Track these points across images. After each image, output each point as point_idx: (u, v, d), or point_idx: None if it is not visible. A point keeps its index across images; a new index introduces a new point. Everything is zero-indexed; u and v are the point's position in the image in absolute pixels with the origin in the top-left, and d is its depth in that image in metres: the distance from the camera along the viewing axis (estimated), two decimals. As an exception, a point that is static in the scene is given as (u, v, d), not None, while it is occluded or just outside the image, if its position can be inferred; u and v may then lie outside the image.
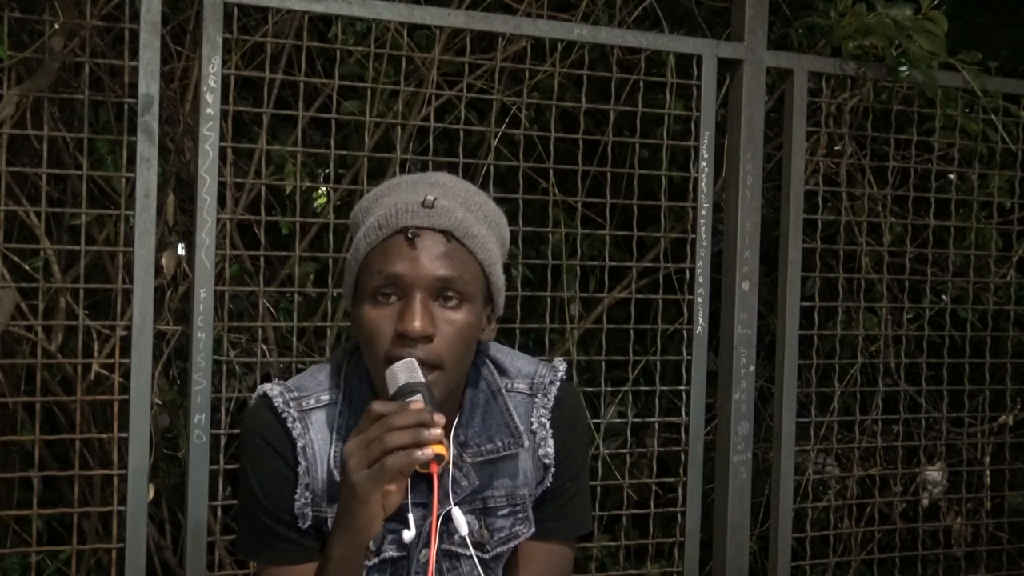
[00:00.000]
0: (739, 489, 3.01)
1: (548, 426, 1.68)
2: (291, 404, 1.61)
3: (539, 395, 1.69)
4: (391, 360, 1.51)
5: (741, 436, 2.99)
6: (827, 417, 3.30)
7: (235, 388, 2.90)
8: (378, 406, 1.45)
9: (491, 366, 1.69)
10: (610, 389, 3.06)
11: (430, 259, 1.51)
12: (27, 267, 2.70)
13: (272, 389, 1.63)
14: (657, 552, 3.09)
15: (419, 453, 1.41)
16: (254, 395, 1.66)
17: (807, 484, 3.27)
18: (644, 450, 3.22)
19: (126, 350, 2.46)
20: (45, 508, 2.60)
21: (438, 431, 1.42)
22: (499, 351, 1.72)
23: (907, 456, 3.47)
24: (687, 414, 2.97)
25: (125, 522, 2.44)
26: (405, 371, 1.48)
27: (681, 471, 2.98)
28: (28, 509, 2.50)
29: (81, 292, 2.55)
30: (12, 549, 2.74)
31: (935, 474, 3.51)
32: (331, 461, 1.60)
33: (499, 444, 1.65)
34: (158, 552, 2.95)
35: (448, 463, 1.59)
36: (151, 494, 2.58)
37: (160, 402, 2.76)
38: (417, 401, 1.45)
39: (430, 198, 1.52)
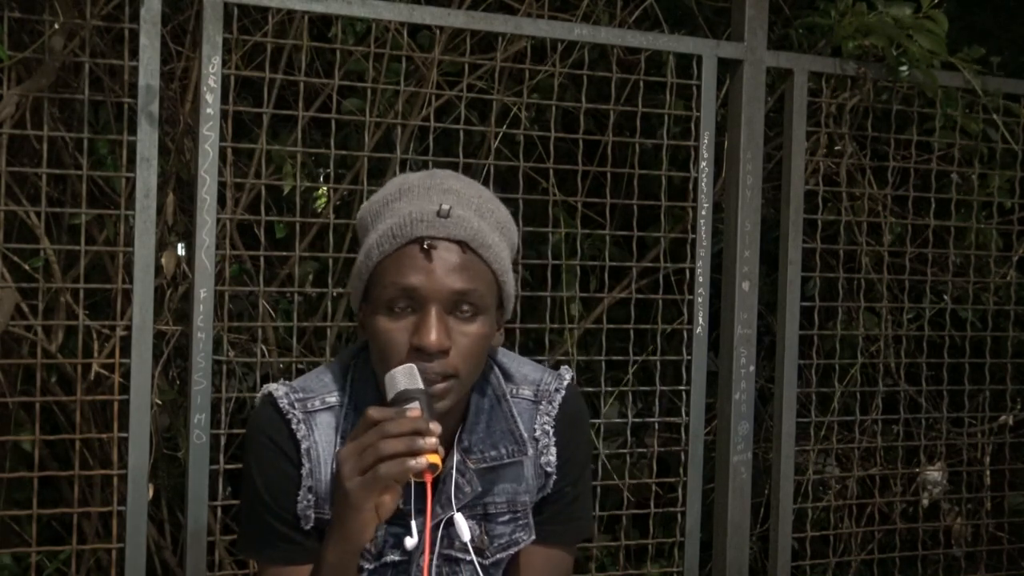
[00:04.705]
0: (739, 489, 3.01)
1: (551, 433, 1.67)
2: (296, 405, 1.60)
3: (544, 402, 1.68)
4: None
5: (741, 436, 2.99)
6: (827, 417, 3.30)
7: (235, 388, 2.90)
8: (374, 412, 1.43)
9: (497, 372, 1.67)
10: (610, 389, 3.06)
11: (446, 272, 1.49)
12: (27, 267, 2.70)
13: (277, 390, 1.62)
14: (657, 552, 3.10)
15: (412, 462, 1.39)
16: (259, 394, 1.65)
17: (807, 484, 3.26)
18: (644, 450, 3.22)
19: (126, 350, 2.46)
20: (45, 508, 2.60)
21: (433, 440, 1.40)
22: (506, 356, 1.70)
23: (907, 456, 3.47)
24: (687, 414, 2.97)
25: (125, 522, 2.44)
26: (404, 377, 1.47)
27: (681, 471, 2.98)
28: (28, 509, 2.50)
29: (81, 292, 2.54)
30: (12, 549, 2.74)
31: (935, 474, 3.51)
32: (335, 464, 1.57)
33: (503, 451, 1.64)
34: (158, 552, 2.95)
35: (452, 469, 1.59)
36: (151, 494, 2.58)
37: (160, 402, 2.76)
38: (414, 408, 1.43)
39: (445, 207, 1.49)
